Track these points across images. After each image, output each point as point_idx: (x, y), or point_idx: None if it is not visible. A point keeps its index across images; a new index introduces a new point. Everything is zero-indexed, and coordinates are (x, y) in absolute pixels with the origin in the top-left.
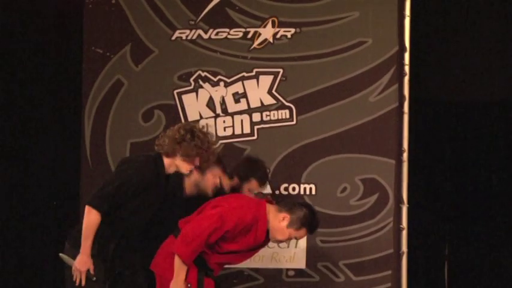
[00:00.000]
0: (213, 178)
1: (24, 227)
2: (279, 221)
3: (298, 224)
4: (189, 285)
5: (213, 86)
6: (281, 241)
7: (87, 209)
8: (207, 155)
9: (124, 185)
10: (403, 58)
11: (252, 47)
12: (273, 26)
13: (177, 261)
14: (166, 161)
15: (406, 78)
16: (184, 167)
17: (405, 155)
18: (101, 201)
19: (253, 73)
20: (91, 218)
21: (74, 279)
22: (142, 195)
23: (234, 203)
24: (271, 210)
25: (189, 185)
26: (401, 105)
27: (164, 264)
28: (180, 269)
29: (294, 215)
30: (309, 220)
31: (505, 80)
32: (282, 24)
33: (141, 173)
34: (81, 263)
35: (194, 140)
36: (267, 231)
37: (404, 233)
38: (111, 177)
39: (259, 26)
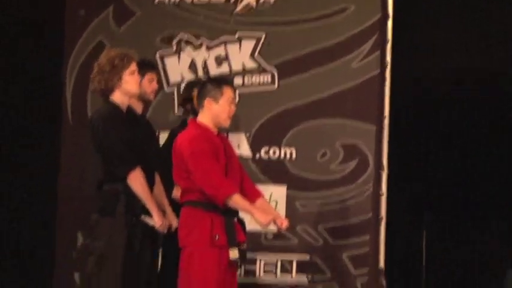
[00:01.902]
0: (149, 83)
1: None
2: (208, 110)
3: (215, 92)
4: (217, 237)
5: (195, 49)
6: (227, 122)
7: (128, 180)
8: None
9: (120, 138)
10: (385, 25)
11: (235, 11)
12: None
13: (233, 203)
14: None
15: (389, 45)
16: (129, 89)
17: (386, 122)
18: (126, 162)
19: (236, 37)
20: (136, 180)
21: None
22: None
23: (183, 135)
24: (200, 115)
25: (138, 106)
26: (383, 72)
27: (189, 239)
28: (242, 205)
29: (205, 92)
30: (216, 79)
31: (487, 47)
32: None
33: (117, 121)
34: (163, 226)
35: (110, 64)
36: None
37: (384, 199)
38: (107, 143)
39: None
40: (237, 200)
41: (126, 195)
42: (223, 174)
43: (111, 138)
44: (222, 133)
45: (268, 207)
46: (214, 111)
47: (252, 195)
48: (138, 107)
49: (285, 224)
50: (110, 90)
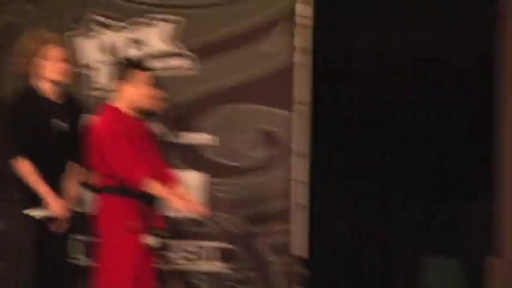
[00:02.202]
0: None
1: None
2: (123, 93)
3: (129, 75)
4: (131, 223)
5: (107, 30)
6: (146, 103)
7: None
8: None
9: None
10: (295, 8)
11: None
12: None
13: (149, 188)
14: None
15: (308, 31)
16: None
17: (305, 108)
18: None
19: (150, 20)
20: (22, 167)
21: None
22: None
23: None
24: (116, 99)
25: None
26: (300, 56)
27: (105, 225)
28: (158, 191)
29: (119, 75)
30: (130, 61)
31: (402, 26)
32: None
33: None
34: (58, 207)
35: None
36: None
37: (303, 186)
38: (6, 124)
39: None
40: (152, 185)
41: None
42: (137, 158)
43: (11, 120)
44: (139, 116)
45: (184, 193)
46: (129, 94)
47: (170, 181)
48: (54, 91)
49: (203, 210)
50: (27, 74)
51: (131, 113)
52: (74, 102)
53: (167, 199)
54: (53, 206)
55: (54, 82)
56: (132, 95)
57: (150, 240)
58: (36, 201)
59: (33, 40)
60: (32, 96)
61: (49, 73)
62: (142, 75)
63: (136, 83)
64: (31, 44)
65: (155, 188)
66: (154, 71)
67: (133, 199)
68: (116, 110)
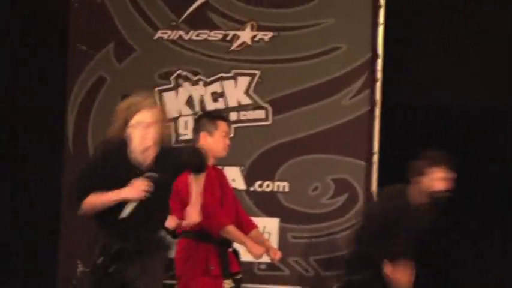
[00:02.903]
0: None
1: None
2: (204, 143)
3: (210, 126)
4: (211, 268)
5: (192, 85)
6: (223, 154)
7: None
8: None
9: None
10: (375, 64)
11: (231, 49)
12: (252, 30)
13: (227, 234)
14: None
15: (378, 84)
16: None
17: (375, 157)
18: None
19: (232, 74)
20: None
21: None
22: None
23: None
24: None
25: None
26: (372, 109)
27: (185, 269)
28: (236, 236)
29: (201, 126)
30: (210, 114)
31: (474, 84)
32: (260, 28)
33: None
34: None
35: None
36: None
37: None
38: None
39: (239, 29)
40: (231, 231)
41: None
42: (218, 206)
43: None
44: (218, 167)
45: (261, 239)
46: (209, 145)
47: (247, 227)
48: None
49: (278, 255)
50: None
51: (210, 162)
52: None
53: (244, 244)
54: None
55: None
56: (212, 145)
57: (228, 285)
58: None
59: (128, 104)
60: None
61: (135, 144)
62: (222, 127)
63: (217, 134)
64: (126, 109)
65: (233, 232)
66: (231, 123)
67: (212, 244)
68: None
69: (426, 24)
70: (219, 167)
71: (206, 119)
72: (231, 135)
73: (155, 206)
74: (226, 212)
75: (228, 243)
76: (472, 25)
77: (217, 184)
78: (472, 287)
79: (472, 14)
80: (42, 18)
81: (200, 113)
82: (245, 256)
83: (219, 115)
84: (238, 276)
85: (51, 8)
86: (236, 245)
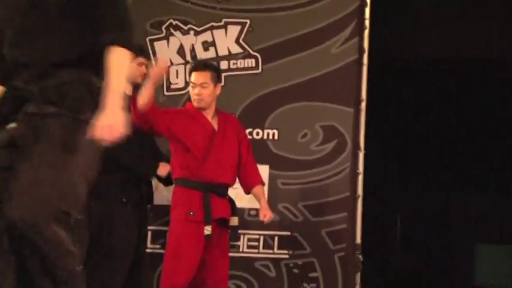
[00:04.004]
0: (138, 66)
1: None
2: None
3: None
4: (191, 213)
5: (183, 34)
6: (195, 104)
7: None
8: None
9: None
10: (363, 12)
11: None
12: None
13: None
14: None
15: (366, 32)
16: None
17: (363, 105)
18: None
19: (222, 23)
20: None
21: None
22: None
23: None
24: None
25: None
26: (360, 57)
27: (172, 215)
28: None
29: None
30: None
31: (465, 35)
32: None
33: None
34: None
35: None
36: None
37: (360, 178)
38: None
39: None
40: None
41: None
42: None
43: None
44: (227, 115)
45: (259, 197)
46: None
47: (250, 182)
48: (128, 90)
49: (266, 217)
50: None
51: (203, 112)
52: None
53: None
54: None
55: (136, 85)
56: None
57: (206, 231)
58: None
59: None
60: None
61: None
62: (192, 77)
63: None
64: None
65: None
66: (222, 71)
67: (196, 190)
68: (190, 107)
69: None
70: (232, 115)
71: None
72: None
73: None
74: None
75: (215, 189)
76: None
77: (207, 134)
78: None
79: None
80: None
81: (191, 62)
82: (237, 203)
83: (192, 65)
84: (233, 224)
85: None
86: (231, 191)
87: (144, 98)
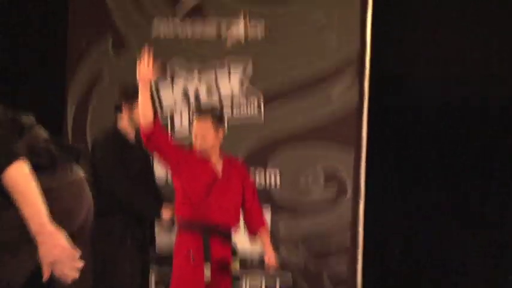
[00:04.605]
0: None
1: None
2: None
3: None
4: (192, 256)
5: (187, 74)
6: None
7: None
8: None
9: None
10: (364, 56)
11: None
12: (245, 19)
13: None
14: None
15: (367, 77)
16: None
17: (364, 147)
18: None
19: (226, 64)
20: None
21: None
22: None
23: None
24: None
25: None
26: (361, 102)
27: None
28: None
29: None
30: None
31: (468, 80)
32: (253, 16)
33: None
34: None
35: None
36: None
37: (361, 220)
38: None
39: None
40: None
41: None
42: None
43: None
44: (232, 159)
45: (264, 241)
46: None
47: (255, 225)
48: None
49: (272, 260)
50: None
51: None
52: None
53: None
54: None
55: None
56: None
57: (207, 269)
58: None
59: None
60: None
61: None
62: (194, 125)
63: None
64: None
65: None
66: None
67: (195, 232)
68: (193, 152)
69: (416, 17)
70: (237, 160)
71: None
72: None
73: None
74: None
75: (214, 231)
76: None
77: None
78: None
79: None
80: (41, 9)
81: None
82: (239, 245)
83: (197, 112)
84: (233, 264)
85: None
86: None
87: (144, 114)
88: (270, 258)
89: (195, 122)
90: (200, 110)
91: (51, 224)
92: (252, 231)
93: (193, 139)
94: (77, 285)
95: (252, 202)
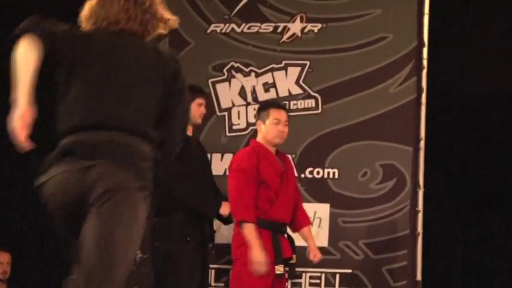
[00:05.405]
0: (198, 107)
1: None
2: (259, 131)
3: (263, 115)
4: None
5: (244, 76)
6: (275, 140)
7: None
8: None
9: None
10: (421, 53)
11: (282, 41)
12: (301, 21)
13: (244, 229)
14: None
15: (424, 72)
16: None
17: (422, 143)
18: None
19: (282, 65)
20: None
21: None
22: None
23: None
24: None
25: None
26: (419, 97)
27: (239, 252)
28: (249, 236)
29: (257, 115)
30: (265, 103)
31: None
32: (309, 20)
33: None
34: None
35: None
36: (276, 152)
37: (420, 215)
38: None
39: (289, 21)
40: (249, 229)
41: None
42: (254, 198)
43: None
44: (286, 155)
45: (308, 237)
46: (263, 132)
47: (299, 224)
48: (189, 130)
49: (317, 257)
50: None
51: (270, 148)
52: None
53: (251, 246)
54: None
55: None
56: (265, 133)
57: (279, 270)
58: None
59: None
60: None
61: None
62: (273, 114)
63: (268, 121)
64: None
65: (249, 232)
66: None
67: (265, 230)
68: (256, 144)
69: (472, 13)
70: (287, 155)
71: (261, 108)
72: (286, 122)
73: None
74: (280, 205)
75: (281, 228)
76: None
77: (277, 173)
78: None
79: None
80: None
81: (252, 103)
82: (300, 242)
83: (272, 103)
84: (292, 262)
85: None
86: (290, 231)
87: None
88: (316, 255)
89: (277, 111)
90: (276, 102)
91: (24, 100)
92: (297, 228)
93: (272, 127)
94: (138, 284)
95: (298, 199)
